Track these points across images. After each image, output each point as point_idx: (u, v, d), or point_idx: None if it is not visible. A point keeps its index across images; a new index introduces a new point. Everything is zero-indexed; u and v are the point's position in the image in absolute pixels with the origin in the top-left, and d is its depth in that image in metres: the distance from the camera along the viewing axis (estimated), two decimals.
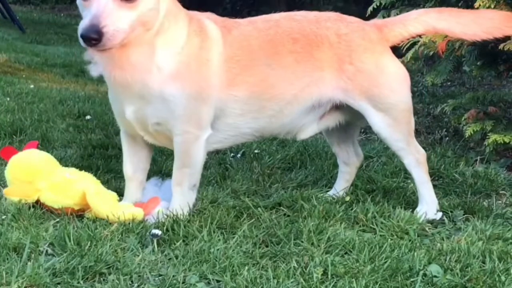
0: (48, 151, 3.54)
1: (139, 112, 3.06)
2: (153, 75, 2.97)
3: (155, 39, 2.97)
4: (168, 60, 2.99)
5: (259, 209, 3.24)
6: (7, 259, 2.56)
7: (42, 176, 3.14)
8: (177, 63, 3.00)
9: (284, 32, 3.21)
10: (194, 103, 3.02)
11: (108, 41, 2.77)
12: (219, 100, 3.09)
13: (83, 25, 2.77)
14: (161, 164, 3.89)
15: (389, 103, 3.24)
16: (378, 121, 3.25)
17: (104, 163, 3.92)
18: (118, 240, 2.80)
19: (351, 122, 3.45)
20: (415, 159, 3.31)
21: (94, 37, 2.75)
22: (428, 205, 3.31)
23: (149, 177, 3.38)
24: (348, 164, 3.59)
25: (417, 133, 3.41)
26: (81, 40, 2.77)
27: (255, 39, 3.17)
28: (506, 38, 3.62)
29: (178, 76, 2.99)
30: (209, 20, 3.16)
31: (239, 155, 4.26)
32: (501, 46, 4.01)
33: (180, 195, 3.12)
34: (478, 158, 4.35)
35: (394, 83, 3.27)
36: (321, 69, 3.21)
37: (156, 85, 2.98)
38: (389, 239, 2.96)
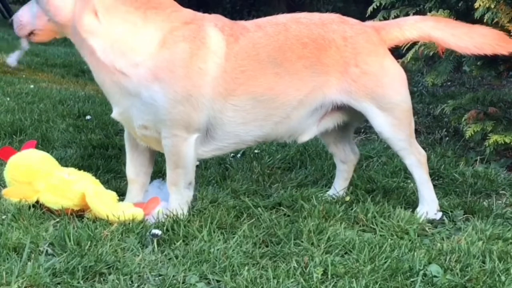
0: (48, 151, 3.55)
1: (125, 114, 3.09)
2: (122, 77, 2.99)
3: (90, 38, 3.00)
4: (132, 66, 2.97)
5: (259, 209, 3.24)
6: (7, 259, 2.56)
7: (41, 177, 3.14)
8: (151, 68, 2.97)
9: (294, 37, 3.19)
10: (181, 109, 3.00)
11: (16, 29, 3.20)
12: (212, 110, 3.07)
13: None
14: (161, 164, 3.89)
15: (393, 103, 3.26)
16: (381, 121, 3.26)
17: (104, 163, 3.92)
18: (118, 240, 2.80)
19: (348, 123, 3.47)
20: (416, 160, 3.32)
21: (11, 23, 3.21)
22: (429, 205, 3.32)
23: (151, 178, 3.38)
24: (346, 162, 3.60)
25: (417, 133, 3.42)
26: None
27: (264, 46, 3.14)
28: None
29: (157, 80, 2.97)
30: (215, 29, 3.10)
31: (239, 155, 4.26)
32: None
33: (177, 194, 3.13)
34: (478, 158, 4.35)
35: (397, 84, 3.30)
36: (326, 73, 3.22)
37: (131, 87, 2.99)
38: (389, 239, 2.96)
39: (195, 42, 3.03)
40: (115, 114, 3.12)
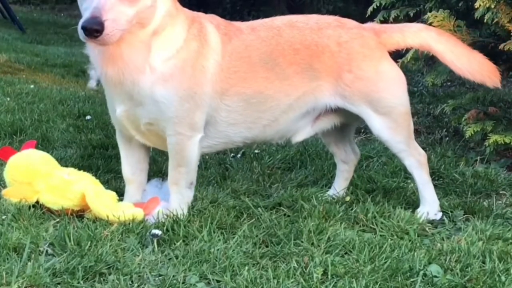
0: (48, 151, 3.55)
1: (130, 111, 3.06)
2: (146, 75, 2.95)
3: (152, 39, 2.95)
4: (161, 62, 2.97)
5: (259, 209, 3.24)
6: (7, 259, 2.56)
7: (40, 177, 3.13)
8: (171, 66, 2.98)
9: (286, 43, 3.19)
10: (187, 106, 3.01)
11: (107, 36, 2.72)
12: (210, 108, 3.09)
13: (84, 17, 2.74)
14: (161, 164, 3.89)
15: (390, 106, 3.26)
16: (378, 125, 3.26)
17: (104, 163, 3.92)
18: (118, 240, 2.80)
19: (347, 123, 3.47)
20: (416, 161, 3.33)
21: (97, 28, 2.69)
22: (430, 206, 3.33)
23: (149, 177, 3.38)
24: (347, 162, 3.61)
25: (417, 133, 3.42)
26: (81, 33, 2.71)
27: (256, 50, 3.16)
28: (507, 37, 3.61)
29: (171, 79, 2.97)
30: (211, 26, 3.13)
31: (239, 155, 4.26)
32: (501, 46, 4.02)
33: (178, 194, 3.13)
34: (478, 158, 4.35)
35: (394, 87, 3.30)
36: (318, 79, 3.22)
37: (147, 85, 2.97)
38: (389, 239, 2.96)
39: (201, 40, 3.05)
40: (119, 112, 3.07)
